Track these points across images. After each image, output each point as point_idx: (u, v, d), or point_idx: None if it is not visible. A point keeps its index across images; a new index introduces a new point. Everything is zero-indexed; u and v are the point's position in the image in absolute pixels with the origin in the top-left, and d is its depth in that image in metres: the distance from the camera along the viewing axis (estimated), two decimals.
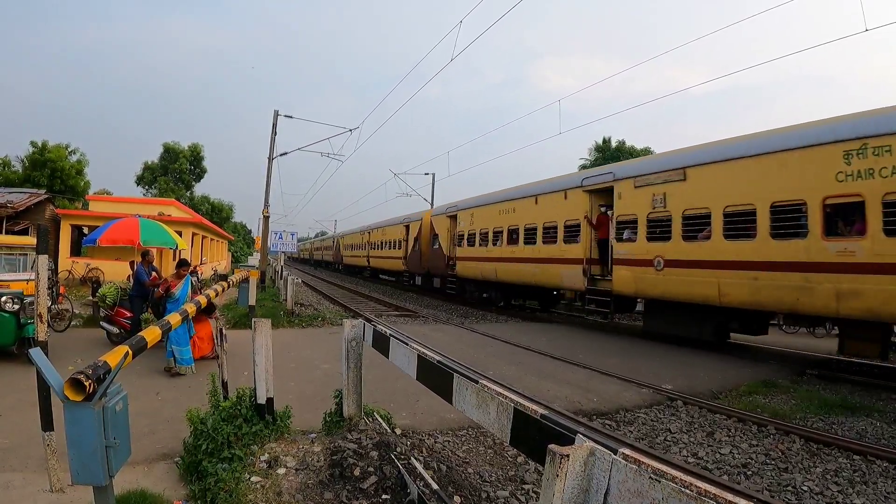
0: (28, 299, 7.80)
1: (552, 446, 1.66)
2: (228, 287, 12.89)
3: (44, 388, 3.74)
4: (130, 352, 3.39)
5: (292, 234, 27.80)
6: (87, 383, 2.79)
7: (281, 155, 22.40)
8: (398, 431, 5.04)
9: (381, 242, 32.91)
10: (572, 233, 14.41)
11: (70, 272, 20.47)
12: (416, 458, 4.25)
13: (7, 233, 19.67)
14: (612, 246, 13.08)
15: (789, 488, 4.65)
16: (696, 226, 10.73)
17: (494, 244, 18.39)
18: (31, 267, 10.10)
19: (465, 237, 20.60)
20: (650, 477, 1.48)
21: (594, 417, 6.46)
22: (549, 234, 15.35)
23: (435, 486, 3.76)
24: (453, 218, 22.04)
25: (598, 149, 40.03)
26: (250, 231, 69.24)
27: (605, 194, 13.47)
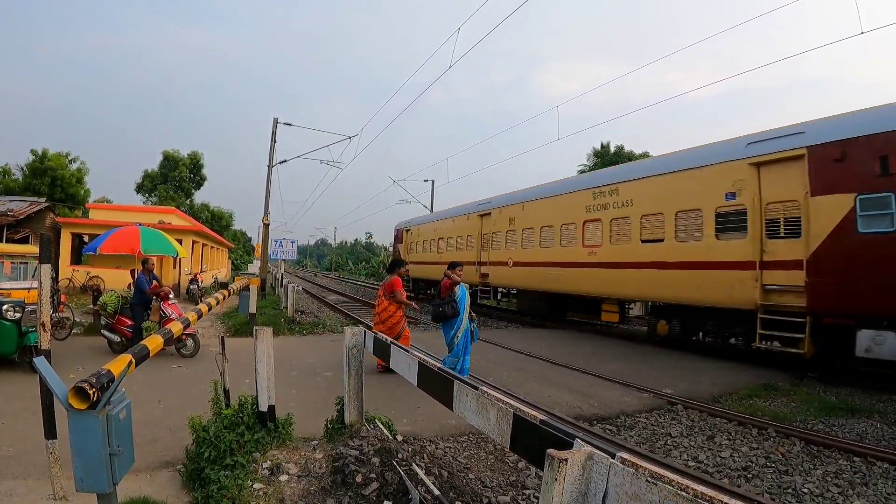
0: (29, 308, 7.82)
1: (551, 451, 1.69)
2: (229, 295, 12.91)
3: (47, 397, 3.76)
4: (133, 360, 3.42)
5: (292, 242, 27.88)
6: (91, 392, 2.81)
7: (280, 163, 22.49)
8: (399, 438, 5.05)
9: None
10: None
11: (71, 280, 20.49)
12: (417, 465, 4.27)
13: (7, 241, 19.71)
14: None
15: (790, 490, 4.66)
16: None
17: None
18: (33, 275, 10.16)
19: None
20: (647, 480, 1.51)
21: (595, 422, 6.47)
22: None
23: (436, 492, 3.77)
24: None
25: (596, 154, 40.18)
26: (250, 239, 69.25)
27: None
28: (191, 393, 6.87)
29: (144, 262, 9.76)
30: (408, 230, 28.76)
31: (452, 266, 8.39)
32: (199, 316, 6.68)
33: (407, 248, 28.35)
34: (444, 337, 8.06)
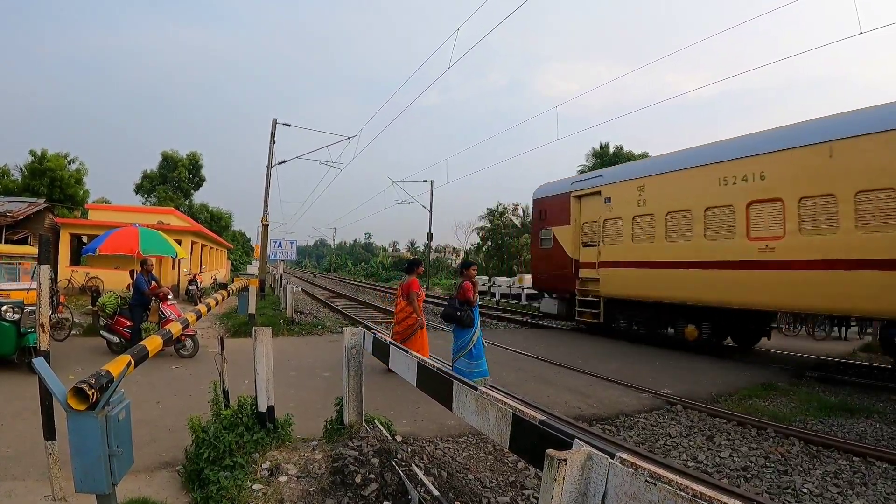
0: (28, 308, 7.82)
1: (550, 451, 1.69)
2: (228, 295, 12.93)
3: (46, 398, 3.76)
4: (132, 361, 3.42)
5: (291, 243, 27.89)
6: (90, 392, 2.81)
7: (279, 163, 22.48)
8: (399, 438, 5.05)
9: None
10: None
11: (70, 281, 20.47)
12: (416, 465, 4.27)
13: (6, 242, 19.69)
14: None
15: (789, 490, 4.66)
16: None
17: None
18: (32, 276, 10.17)
19: None
20: (647, 480, 1.51)
21: (594, 423, 6.47)
22: None
23: (436, 493, 3.77)
24: None
25: (595, 154, 40.20)
26: (249, 239, 69.22)
27: None
28: (190, 393, 6.86)
29: (143, 262, 9.75)
30: (591, 194, 14.49)
31: (467, 265, 7.90)
32: (199, 317, 6.69)
33: (596, 233, 14.12)
34: (447, 338, 7.89)
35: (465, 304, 7.45)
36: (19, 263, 10.37)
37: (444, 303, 7.76)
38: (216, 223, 51.55)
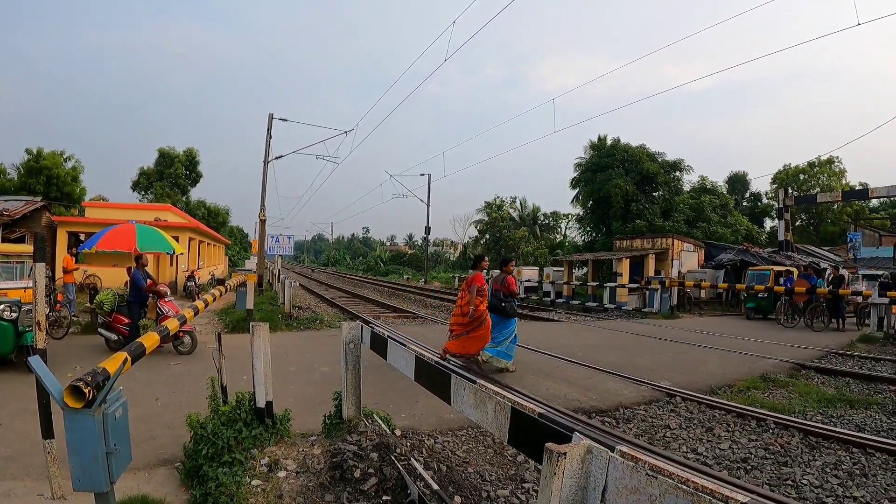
0: (26, 307, 7.79)
1: (549, 444, 1.67)
2: (226, 291, 12.90)
3: (43, 396, 3.74)
4: (129, 358, 3.41)
5: (289, 238, 27.86)
6: (86, 390, 2.79)
7: (276, 158, 22.41)
8: (398, 432, 5.05)
9: None
10: None
11: None
12: (415, 459, 4.26)
13: (3, 241, 19.62)
14: None
15: (789, 482, 4.67)
16: None
17: None
18: (29, 275, 10.13)
19: None
20: (647, 473, 1.50)
21: (593, 415, 6.47)
22: None
23: (435, 487, 3.77)
24: None
25: (593, 147, 40.03)
26: (247, 235, 69.04)
27: None
28: (188, 390, 6.85)
29: (138, 258, 9.73)
30: None
31: (506, 261, 8.78)
32: (196, 313, 6.67)
33: None
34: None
35: (510, 296, 8.35)
36: (18, 262, 10.32)
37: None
38: (213, 219, 51.41)
